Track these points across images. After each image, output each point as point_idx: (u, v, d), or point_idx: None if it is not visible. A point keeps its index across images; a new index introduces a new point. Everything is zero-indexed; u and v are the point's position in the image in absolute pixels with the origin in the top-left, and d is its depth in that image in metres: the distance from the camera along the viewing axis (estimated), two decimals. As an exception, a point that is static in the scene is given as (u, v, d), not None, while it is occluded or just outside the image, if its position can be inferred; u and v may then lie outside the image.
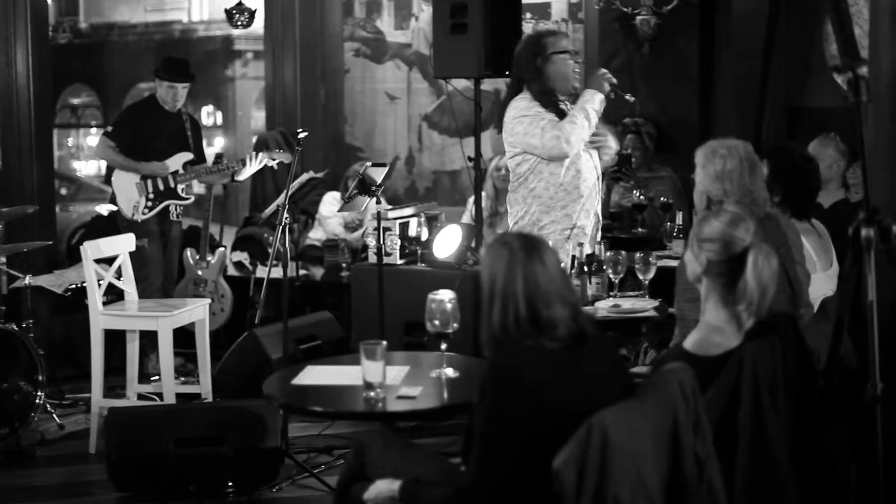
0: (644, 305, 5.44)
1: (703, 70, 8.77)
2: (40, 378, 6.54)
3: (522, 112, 5.89)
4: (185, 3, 15.79)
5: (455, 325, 4.41)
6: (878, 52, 4.55)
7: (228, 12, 10.73)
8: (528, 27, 8.75)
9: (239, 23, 10.61)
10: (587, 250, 5.71)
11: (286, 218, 6.27)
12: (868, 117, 3.78)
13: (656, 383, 3.53)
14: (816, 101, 8.11)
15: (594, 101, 5.83)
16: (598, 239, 6.07)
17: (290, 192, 6.52)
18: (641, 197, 7.59)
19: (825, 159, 6.48)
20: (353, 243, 8.39)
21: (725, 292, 3.77)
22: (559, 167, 5.85)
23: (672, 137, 8.58)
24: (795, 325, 4.07)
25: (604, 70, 6.08)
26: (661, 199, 7.50)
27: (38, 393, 6.54)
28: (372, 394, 4.18)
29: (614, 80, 5.98)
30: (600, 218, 6.19)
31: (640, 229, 7.45)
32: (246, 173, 7.86)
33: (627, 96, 6.09)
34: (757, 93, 8.28)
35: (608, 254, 5.68)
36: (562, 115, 5.88)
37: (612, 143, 6.18)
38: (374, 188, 6.53)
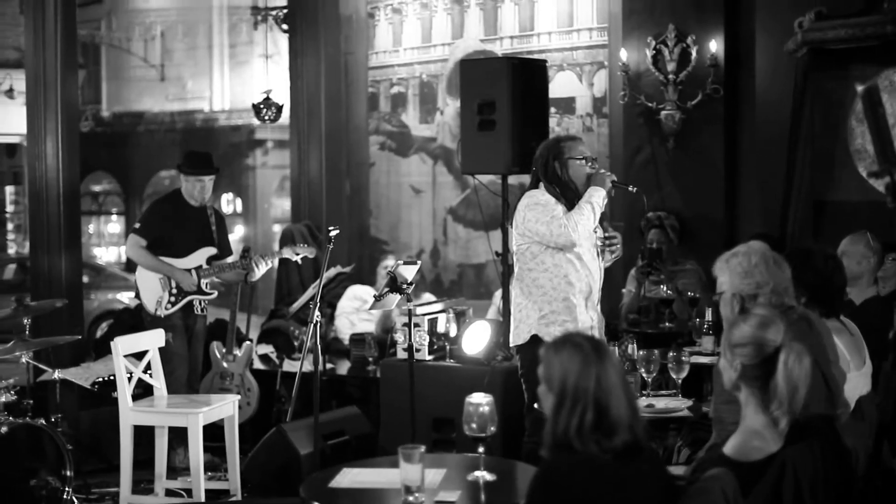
0: (678, 405, 5.46)
1: (727, 163, 8.82)
2: (68, 473, 6.51)
3: (535, 201, 6.06)
4: (207, 92, 15.93)
5: (492, 428, 4.40)
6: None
7: (256, 107, 10.86)
8: (553, 122, 8.83)
9: (266, 117, 10.73)
10: None
11: (318, 316, 6.27)
12: None
13: (700, 490, 3.52)
14: (842, 194, 8.12)
15: (597, 196, 5.97)
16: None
17: (319, 288, 6.53)
18: (669, 291, 7.60)
19: (855, 255, 6.45)
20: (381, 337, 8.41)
21: (762, 395, 3.76)
22: (563, 260, 5.96)
23: (697, 231, 8.60)
24: (834, 426, 4.05)
25: (604, 169, 6.21)
26: (689, 293, 7.50)
27: (67, 489, 6.50)
28: (411, 498, 4.15)
29: (615, 178, 6.11)
30: (602, 318, 6.26)
31: (667, 324, 7.45)
32: (259, 275, 7.85)
33: (630, 188, 6.27)
34: (781, 186, 8.31)
35: (641, 352, 5.71)
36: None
37: (619, 245, 6.28)
38: (404, 286, 6.54)
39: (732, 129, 8.90)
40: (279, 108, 10.84)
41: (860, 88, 3.63)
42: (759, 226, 8.40)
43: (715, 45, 8.66)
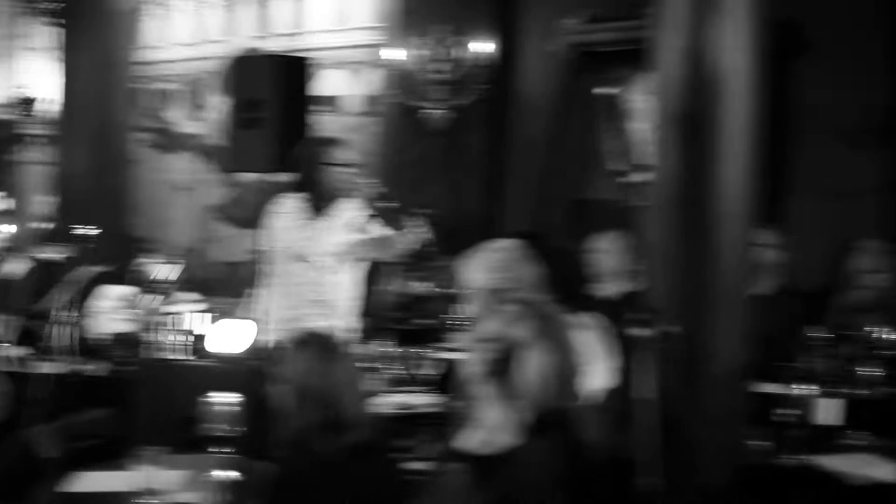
0: (427, 401, 5.47)
1: (494, 163, 8.89)
2: None
3: (278, 209, 6.07)
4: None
5: (238, 427, 4.34)
6: (665, 158, 4.67)
7: (16, 102, 10.58)
8: (322, 120, 8.78)
9: (26, 112, 10.48)
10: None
11: (71, 316, 6.11)
12: (654, 220, 3.92)
13: (438, 486, 3.53)
14: (598, 193, 8.29)
15: (345, 209, 5.92)
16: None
17: (76, 287, 6.37)
18: (426, 287, 7.62)
19: (608, 252, 6.58)
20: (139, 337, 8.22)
21: (505, 390, 3.79)
22: (301, 268, 5.93)
23: (460, 229, 8.65)
24: (573, 419, 4.10)
25: (369, 181, 6.16)
26: (446, 290, 7.54)
27: None
28: (146, 500, 4.06)
29: (376, 188, 6.06)
30: (353, 321, 6.22)
31: (424, 320, 7.46)
32: (16, 275, 7.61)
33: (386, 203, 6.15)
34: (544, 185, 8.43)
35: (396, 349, 5.72)
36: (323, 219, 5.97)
37: (397, 239, 6.23)
38: (163, 285, 6.44)
39: (500, 129, 8.98)
40: (38, 103, 10.59)
41: (603, 91, 3.71)
42: (522, 224, 8.50)
43: (485, 46, 8.73)
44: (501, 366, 3.80)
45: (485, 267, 4.75)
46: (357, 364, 3.96)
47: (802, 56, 7.94)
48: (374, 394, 5.03)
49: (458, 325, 6.65)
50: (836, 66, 7.97)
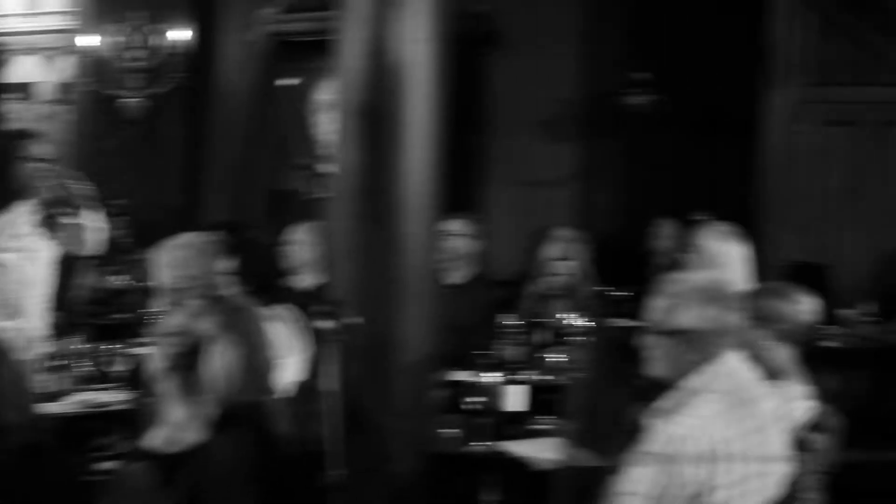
0: (116, 398, 5.32)
1: (192, 153, 8.76)
2: None
3: None
4: None
5: None
6: (346, 149, 4.67)
7: None
8: (16, 108, 8.50)
9: None
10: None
11: None
12: (337, 211, 3.93)
13: (115, 485, 3.47)
14: (294, 184, 8.29)
15: (34, 206, 5.69)
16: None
17: None
18: (122, 281, 7.45)
19: (305, 244, 6.56)
20: None
21: (189, 386, 3.75)
22: None
23: (158, 220, 8.50)
24: (263, 413, 4.08)
25: (61, 174, 5.94)
26: (142, 283, 7.39)
27: None
28: None
29: (71, 182, 5.85)
30: (43, 320, 6.01)
31: (119, 315, 7.28)
32: None
33: (80, 196, 5.95)
34: (242, 175, 8.37)
35: (82, 346, 5.55)
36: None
37: (89, 233, 6.04)
38: None
39: (198, 119, 8.86)
40: None
41: (288, 82, 3.71)
42: (220, 215, 8.41)
43: (183, 34, 8.59)
44: (185, 360, 3.75)
45: (170, 261, 4.66)
46: (24, 364, 3.81)
47: (495, 47, 8.12)
48: (44, 395, 4.85)
49: (151, 319, 6.51)
50: (530, 57, 8.19)
